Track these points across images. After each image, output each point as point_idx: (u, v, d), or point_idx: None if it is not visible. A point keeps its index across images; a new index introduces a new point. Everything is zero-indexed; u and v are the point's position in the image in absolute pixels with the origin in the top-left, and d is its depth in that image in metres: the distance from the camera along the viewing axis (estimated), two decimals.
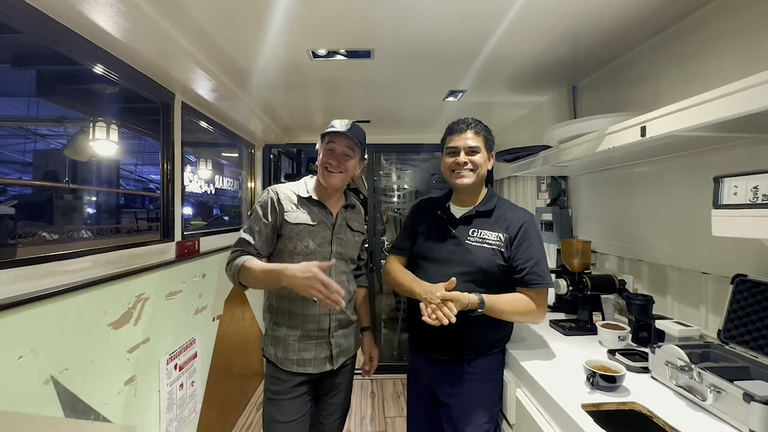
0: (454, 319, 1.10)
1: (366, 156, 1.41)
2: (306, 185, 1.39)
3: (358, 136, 1.34)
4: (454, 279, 1.15)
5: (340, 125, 1.32)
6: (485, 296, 1.17)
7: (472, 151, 1.28)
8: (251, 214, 1.33)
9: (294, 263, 1.26)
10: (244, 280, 1.22)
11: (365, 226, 1.54)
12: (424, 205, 1.47)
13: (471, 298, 1.15)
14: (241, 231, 1.32)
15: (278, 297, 1.32)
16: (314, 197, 1.35)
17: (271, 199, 1.31)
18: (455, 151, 1.29)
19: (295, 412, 1.30)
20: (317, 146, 1.39)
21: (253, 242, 1.28)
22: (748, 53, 1.13)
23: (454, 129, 1.32)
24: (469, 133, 1.29)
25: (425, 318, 1.12)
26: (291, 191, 1.35)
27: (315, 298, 1.10)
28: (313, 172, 1.43)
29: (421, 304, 1.16)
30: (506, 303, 1.20)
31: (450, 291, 1.15)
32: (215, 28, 1.41)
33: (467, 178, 1.28)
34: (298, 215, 1.31)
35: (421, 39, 1.51)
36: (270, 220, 1.30)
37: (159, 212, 1.79)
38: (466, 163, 1.28)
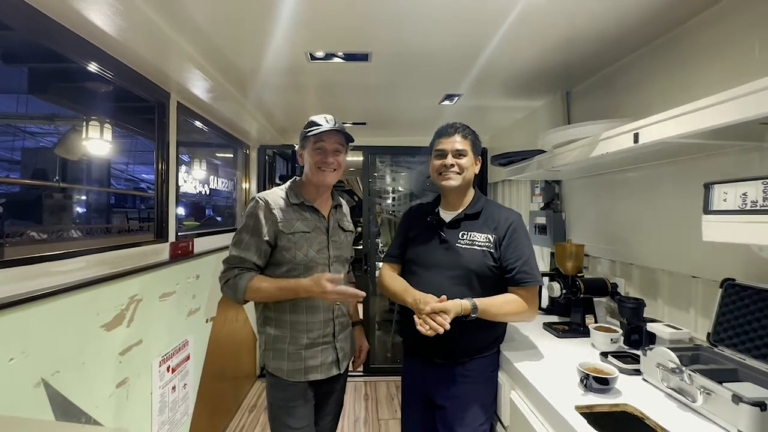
0: (448, 327, 1.11)
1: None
2: (294, 190, 1.33)
3: (344, 129, 1.31)
4: (444, 297, 1.16)
5: (326, 122, 1.28)
6: (477, 300, 1.18)
7: (459, 154, 1.30)
8: (242, 228, 1.26)
9: (296, 274, 1.26)
10: (250, 298, 1.20)
11: (358, 228, 1.53)
12: (414, 212, 1.49)
13: (463, 304, 1.16)
14: (233, 246, 1.25)
15: (278, 309, 1.28)
16: (306, 202, 1.31)
17: (262, 210, 1.25)
18: (443, 154, 1.31)
19: (308, 416, 1.30)
20: (297, 147, 1.36)
21: (250, 258, 1.23)
22: (736, 63, 1.16)
23: (442, 132, 1.34)
24: (457, 137, 1.30)
25: (419, 328, 1.13)
26: (280, 198, 1.30)
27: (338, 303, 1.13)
28: (299, 176, 1.39)
29: (415, 316, 1.17)
30: (498, 305, 1.22)
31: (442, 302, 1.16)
32: (213, 28, 1.41)
33: (454, 181, 1.30)
34: (292, 224, 1.26)
35: (419, 43, 1.52)
36: (264, 231, 1.23)
37: (150, 212, 1.77)
38: (452, 166, 1.29)
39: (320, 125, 1.28)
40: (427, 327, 1.13)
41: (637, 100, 1.58)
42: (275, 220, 1.25)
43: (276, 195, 1.31)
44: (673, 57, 1.40)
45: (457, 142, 1.30)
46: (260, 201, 1.27)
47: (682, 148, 1.19)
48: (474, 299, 1.18)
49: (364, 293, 1.12)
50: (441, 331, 1.11)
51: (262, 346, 1.34)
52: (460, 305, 1.16)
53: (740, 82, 0.83)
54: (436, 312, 1.13)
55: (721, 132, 0.94)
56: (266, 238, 1.23)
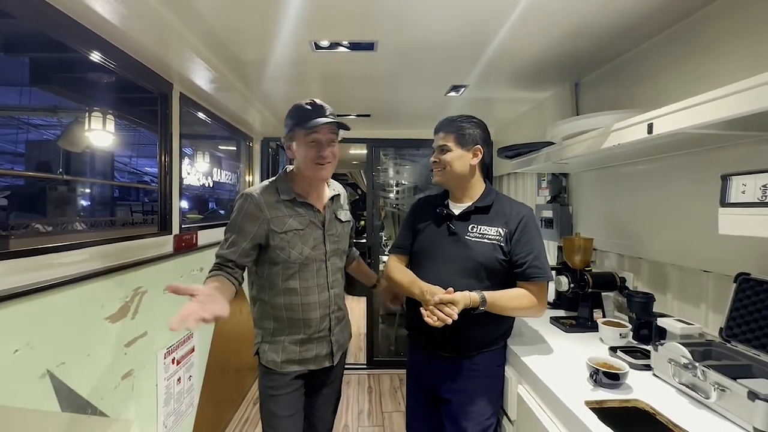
0: (455, 317, 1.10)
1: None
2: (285, 184, 1.27)
3: (335, 115, 1.23)
4: (451, 288, 1.15)
5: (316, 112, 1.19)
6: (486, 293, 1.17)
7: (441, 150, 1.31)
8: (229, 225, 1.22)
9: (292, 272, 1.23)
10: None
11: (361, 221, 1.53)
12: (422, 203, 1.47)
13: (472, 297, 1.15)
14: (221, 244, 1.21)
15: (275, 306, 1.27)
16: (298, 198, 1.25)
17: (252, 208, 1.19)
18: (433, 151, 1.35)
19: (294, 405, 1.30)
20: (283, 139, 1.27)
21: (229, 257, 1.17)
22: (755, 51, 1.12)
23: (434, 130, 1.37)
24: (441, 134, 1.33)
25: (427, 319, 1.13)
26: (270, 194, 1.24)
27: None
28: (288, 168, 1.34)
29: (422, 308, 1.16)
30: (508, 299, 1.20)
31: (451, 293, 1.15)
32: (216, 17, 1.38)
33: (437, 177, 1.34)
34: (284, 221, 1.21)
35: (426, 33, 1.48)
36: (253, 230, 1.18)
37: (154, 205, 1.76)
38: (436, 162, 1.32)
39: (310, 114, 1.19)
40: (435, 318, 1.11)
41: (649, 91, 1.54)
42: (266, 219, 1.20)
43: (266, 191, 1.25)
44: (689, 45, 1.35)
45: (440, 138, 1.32)
46: (249, 198, 1.21)
47: (697, 139, 1.15)
48: (483, 292, 1.17)
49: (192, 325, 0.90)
50: (449, 321, 1.10)
51: (258, 338, 1.33)
52: (468, 297, 1.14)
53: (762, 71, 0.79)
54: (444, 303, 1.12)
55: (739, 122, 0.91)
56: (252, 238, 1.19)
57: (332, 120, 1.20)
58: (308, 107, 1.21)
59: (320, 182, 1.31)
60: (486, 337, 1.28)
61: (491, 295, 1.17)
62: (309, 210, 1.28)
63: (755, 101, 0.81)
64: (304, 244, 1.24)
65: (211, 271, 1.19)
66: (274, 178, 1.32)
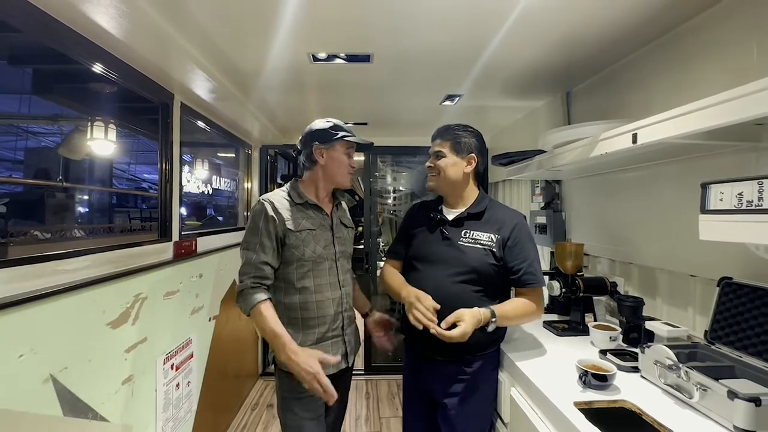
0: (466, 338, 1.14)
1: None
2: (296, 190, 1.35)
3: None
4: (438, 305, 1.20)
5: (352, 130, 1.38)
6: (495, 308, 1.20)
7: (437, 155, 1.36)
8: (250, 231, 1.28)
9: (305, 270, 1.28)
10: (252, 318, 1.21)
11: (359, 227, 1.57)
12: (417, 208, 1.51)
13: (483, 313, 1.18)
14: (245, 252, 1.26)
15: (289, 307, 1.29)
16: (309, 201, 1.34)
17: (268, 210, 1.27)
18: (429, 157, 1.40)
19: (320, 407, 1.31)
20: (318, 144, 1.33)
21: (263, 259, 1.24)
22: (738, 62, 1.17)
23: (432, 137, 1.42)
24: (437, 140, 1.37)
25: (413, 322, 1.17)
26: (283, 198, 1.33)
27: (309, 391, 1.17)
28: (300, 176, 1.41)
29: (409, 314, 1.20)
30: (512, 310, 1.24)
31: (458, 308, 1.18)
32: (216, 30, 1.42)
33: (431, 182, 1.39)
34: (298, 222, 1.30)
35: (420, 45, 1.54)
36: (272, 231, 1.26)
37: (152, 212, 1.79)
38: (431, 167, 1.37)
39: (348, 132, 1.36)
40: (420, 325, 1.17)
41: (638, 100, 1.59)
42: (282, 219, 1.27)
43: (279, 196, 1.34)
44: (675, 56, 1.41)
45: (436, 145, 1.37)
46: (265, 202, 1.29)
47: (681, 148, 1.20)
48: (491, 307, 1.20)
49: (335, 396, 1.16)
50: (431, 326, 1.15)
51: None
52: (479, 313, 1.17)
53: (742, 81, 0.84)
54: (435, 313, 1.18)
55: (718, 132, 0.95)
56: (272, 233, 1.27)
57: (367, 142, 1.41)
58: (348, 126, 1.38)
59: (331, 189, 1.42)
60: (480, 342, 1.30)
61: (499, 309, 1.20)
62: (319, 213, 1.36)
63: (731, 113, 0.86)
64: (317, 244, 1.31)
65: (251, 288, 1.22)
66: (284, 187, 1.40)
